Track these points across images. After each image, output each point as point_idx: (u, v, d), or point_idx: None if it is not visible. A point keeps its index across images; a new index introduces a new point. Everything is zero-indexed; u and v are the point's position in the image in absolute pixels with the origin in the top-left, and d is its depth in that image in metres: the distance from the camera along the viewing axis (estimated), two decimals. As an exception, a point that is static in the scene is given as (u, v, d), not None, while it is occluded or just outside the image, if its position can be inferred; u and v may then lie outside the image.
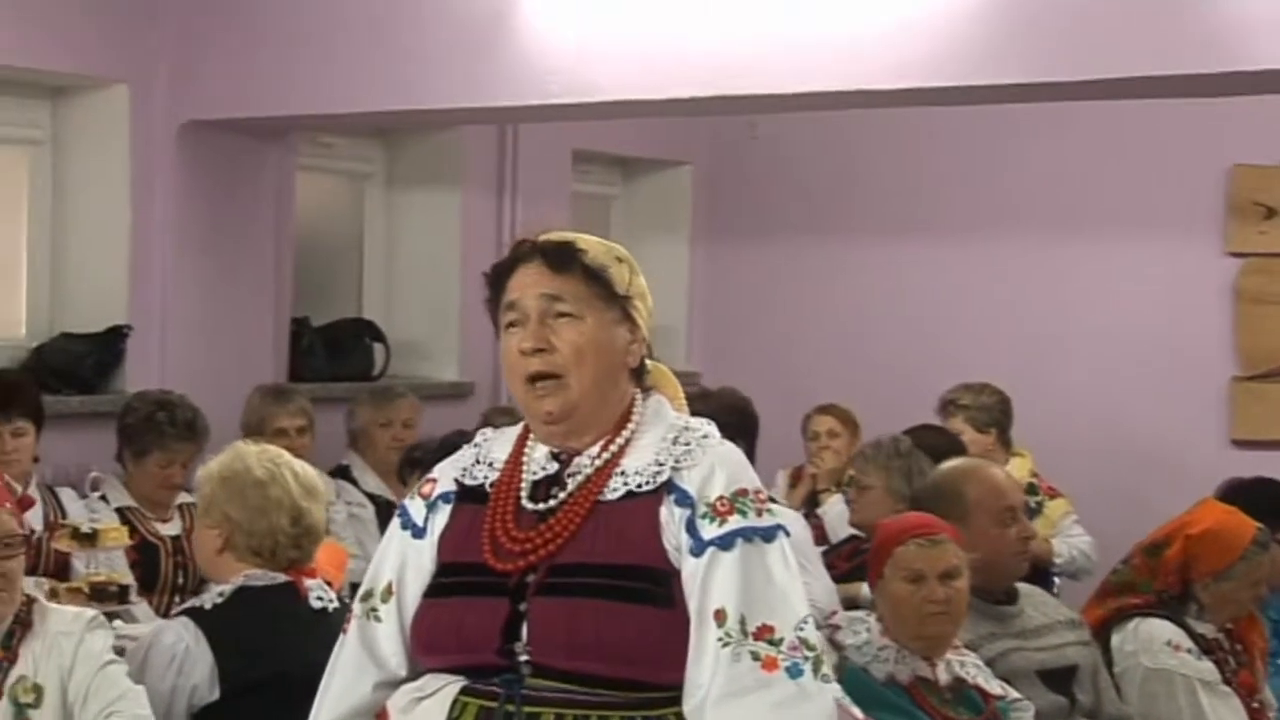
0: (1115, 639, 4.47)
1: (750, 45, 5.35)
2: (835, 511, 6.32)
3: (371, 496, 6.39)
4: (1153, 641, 4.43)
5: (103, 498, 5.42)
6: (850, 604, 5.05)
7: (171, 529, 5.59)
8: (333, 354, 7.08)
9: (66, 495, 5.42)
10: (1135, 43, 4.85)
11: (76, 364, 6.06)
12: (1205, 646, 4.47)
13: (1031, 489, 6.16)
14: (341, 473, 6.42)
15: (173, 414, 5.62)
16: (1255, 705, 4.50)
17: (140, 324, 6.20)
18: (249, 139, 6.48)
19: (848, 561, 5.55)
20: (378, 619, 2.72)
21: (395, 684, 2.70)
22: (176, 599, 5.45)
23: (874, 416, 6.74)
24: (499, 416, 6.87)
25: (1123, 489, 7.20)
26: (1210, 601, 4.52)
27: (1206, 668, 4.42)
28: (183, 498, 5.69)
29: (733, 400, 5.42)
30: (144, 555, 5.40)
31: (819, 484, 6.67)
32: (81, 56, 6.05)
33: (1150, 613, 4.50)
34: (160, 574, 5.46)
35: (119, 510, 5.48)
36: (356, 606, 2.75)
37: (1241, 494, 5.00)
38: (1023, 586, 4.30)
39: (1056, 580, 6.19)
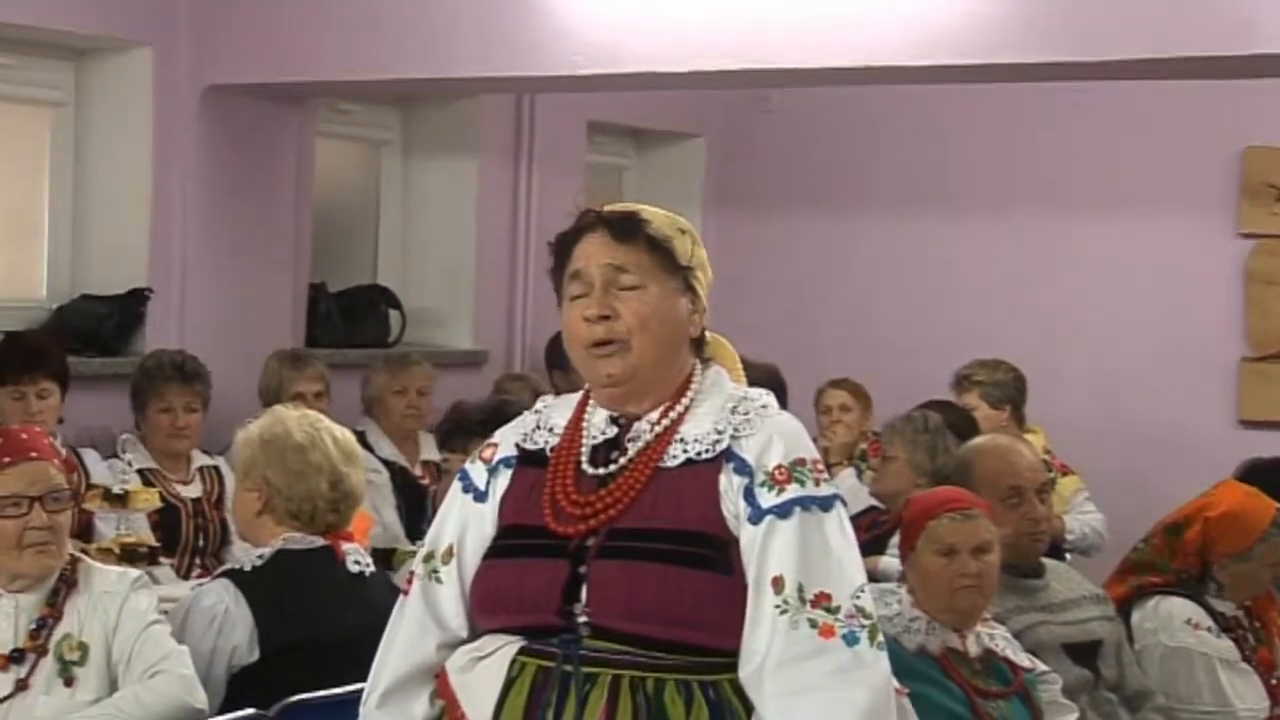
0: (1136, 617, 4.51)
1: (772, 19, 5.38)
2: (847, 485, 6.35)
3: (386, 463, 6.40)
4: (1173, 619, 4.48)
5: (127, 461, 5.45)
6: (869, 576, 5.08)
7: (192, 491, 5.62)
8: (349, 320, 7.11)
9: (90, 457, 5.44)
10: (1153, 25, 4.89)
11: (97, 325, 6.09)
12: (1224, 625, 4.52)
13: (1045, 466, 6.18)
14: (357, 439, 6.41)
15: (159, 358, 5.70)
16: (1274, 682, 4.54)
17: (160, 286, 6.23)
18: (270, 104, 6.49)
19: (865, 533, 5.58)
20: (439, 580, 2.74)
21: (456, 645, 2.72)
22: (197, 561, 5.50)
23: (885, 391, 6.79)
24: (512, 383, 6.94)
25: (1131, 467, 7.25)
26: (1229, 581, 4.57)
27: (1225, 645, 4.47)
28: (202, 459, 5.73)
29: (766, 369, 5.45)
30: (165, 517, 5.41)
31: (830, 457, 6.67)
32: (105, 18, 6.06)
33: (1170, 591, 4.54)
34: (181, 536, 5.49)
35: (141, 472, 5.51)
36: (418, 568, 2.77)
37: (1261, 473, 5.02)
38: (1048, 561, 4.35)
39: (1068, 556, 6.22)
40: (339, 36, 6.03)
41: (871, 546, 5.42)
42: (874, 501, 5.95)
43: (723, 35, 5.44)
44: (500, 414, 2.87)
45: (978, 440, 4.63)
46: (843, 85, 6.39)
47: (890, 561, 5.11)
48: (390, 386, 6.55)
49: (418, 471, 6.48)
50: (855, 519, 5.77)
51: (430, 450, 6.46)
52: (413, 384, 6.58)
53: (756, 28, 5.40)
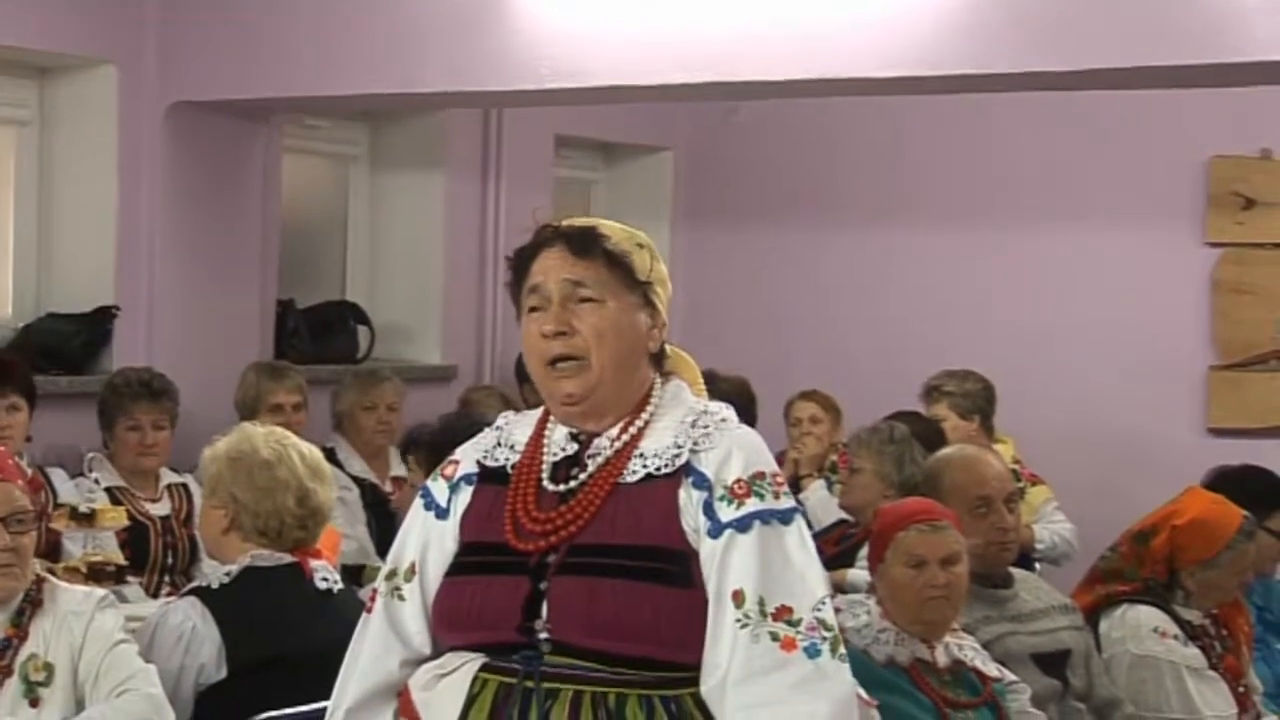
0: (1103, 625, 4.52)
1: (740, 32, 5.39)
2: (817, 497, 6.36)
3: (356, 479, 6.40)
4: (1140, 628, 4.48)
5: (94, 479, 5.44)
6: (837, 588, 5.09)
7: (161, 509, 5.60)
8: (317, 336, 7.09)
9: (57, 475, 5.42)
10: (1116, 35, 4.90)
11: (64, 344, 6.06)
12: (1191, 632, 4.53)
13: (1014, 476, 6.19)
14: (326, 455, 6.37)
15: (127, 376, 5.68)
16: (1241, 690, 4.55)
17: (127, 304, 6.20)
18: (236, 120, 6.47)
19: (835, 546, 5.59)
20: (401, 598, 2.74)
21: (419, 662, 2.72)
22: (165, 579, 5.48)
23: (855, 402, 6.80)
24: (478, 394, 6.94)
25: (1101, 476, 7.27)
26: (1196, 589, 4.57)
27: (1193, 654, 4.47)
28: (170, 477, 5.71)
29: (736, 381, 5.47)
30: (133, 535, 5.39)
31: (801, 469, 6.68)
32: (69, 36, 6.04)
33: (1138, 599, 4.55)
34: (150, 554, 5.47)
35: (109, 490, 5.50)
36: (381, 585, 2.77)
37: (1228, 481, 5.03)
38: (1017, 571, 4.36)
39: (1038, 566, 6.24)
40: (305, 52, 6.02)
41: (841, 559, 5.44)
42: (844, 514, 5.96)
43: (690, 48, 5.44)
44: (459, 429, 2.87)
45: (945, 451, 4.65)
46: (811, 97, 6.39)
47: (859, 573, 5.11)
48: (360, 403, 6.54)
49: (388, 488, 6.47)
50: (826, 531, 5.89)
51: (400, 466, 6.46)
52: (383, 400, 6.57)
53: (724, 40, 5.41)
